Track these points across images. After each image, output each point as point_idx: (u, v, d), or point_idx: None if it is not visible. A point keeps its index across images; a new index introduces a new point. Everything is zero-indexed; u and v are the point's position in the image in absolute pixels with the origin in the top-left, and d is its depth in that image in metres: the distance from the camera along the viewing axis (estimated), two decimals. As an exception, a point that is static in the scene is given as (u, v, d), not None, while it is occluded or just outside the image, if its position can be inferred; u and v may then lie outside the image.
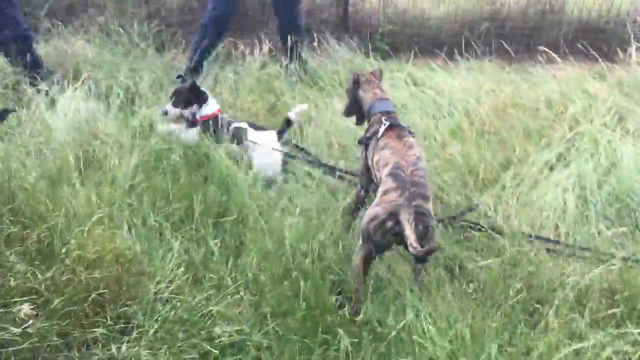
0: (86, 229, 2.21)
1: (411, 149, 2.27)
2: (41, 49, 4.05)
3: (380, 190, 2.16)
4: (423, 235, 1.95)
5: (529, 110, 3.32)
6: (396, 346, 1.81)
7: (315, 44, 4.20)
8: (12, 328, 1.89)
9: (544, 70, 3.96)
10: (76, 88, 3.45)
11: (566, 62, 3.96)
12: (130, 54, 4.12)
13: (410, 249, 1.84)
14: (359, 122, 2.71)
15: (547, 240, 2.44)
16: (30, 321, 1.91)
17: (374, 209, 2.08)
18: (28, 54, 3.53)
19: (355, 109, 2.68)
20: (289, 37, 3.86)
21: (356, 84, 2.62)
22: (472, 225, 2.54)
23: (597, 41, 4.37)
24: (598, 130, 3.12)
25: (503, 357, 1.80)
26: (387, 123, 2.40)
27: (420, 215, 1.97)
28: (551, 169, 2.90)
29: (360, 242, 2.11)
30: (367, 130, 2.54)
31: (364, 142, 2.49)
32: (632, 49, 4.02)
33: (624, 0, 4.58)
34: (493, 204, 2.70)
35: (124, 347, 1.91)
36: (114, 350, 1.90)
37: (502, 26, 4.56)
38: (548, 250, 2.36)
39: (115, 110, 3.38)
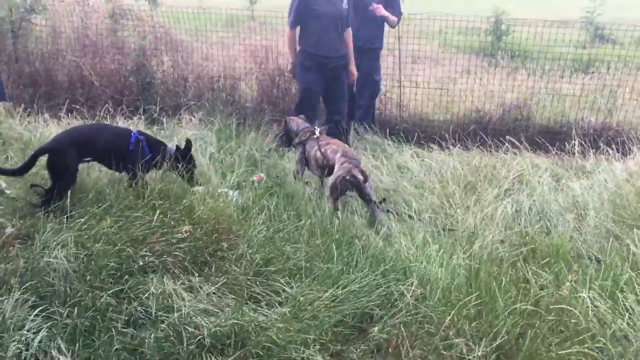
0: (211, 201, 3.85)
1: (344, 144, 4.54)
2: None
3: (338, 163, 4.21)
4: (364, 180, 4.00)
5: (491, 169, 4.92)
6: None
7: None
8: (175, 239, 3.45)
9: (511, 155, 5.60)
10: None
11: (529, 152, 5.61)
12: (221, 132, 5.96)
13: (360, 184, 4.01)
14: (289, 145, 5.08)
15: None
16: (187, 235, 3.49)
17: (338, 172, 4.15)
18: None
19: (287, 138, 4.99)
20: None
21: (285, 123, 5.00)
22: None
23: (554, 140, 6.02)
24: (537, 180, 4.70)
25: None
26: (319, 129, 4.67)
27: (361, 172, 4.03)
28: (501, 198, 4.43)
29: (329, 193, 4.16)
30: (299, 139, 4.75)
31: (303, 144, 4.70)
32: (575, 142, 5.64)
33: (571, 112, 6.37)
34: (462, 214, 4.22)
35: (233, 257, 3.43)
36: (229, 255, 3.42)
37: (485, 128, 6.30)
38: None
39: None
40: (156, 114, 6.33)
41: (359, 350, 2.72)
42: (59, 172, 3.89)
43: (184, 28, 7.40)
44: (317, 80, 5.49)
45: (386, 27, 6.16)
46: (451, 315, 2.74)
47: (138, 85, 6.82)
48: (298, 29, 5.54)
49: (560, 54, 7.29)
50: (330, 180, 4.24)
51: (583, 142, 5.67)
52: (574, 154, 5.60)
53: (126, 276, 3.17)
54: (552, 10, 17.16)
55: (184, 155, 4.26)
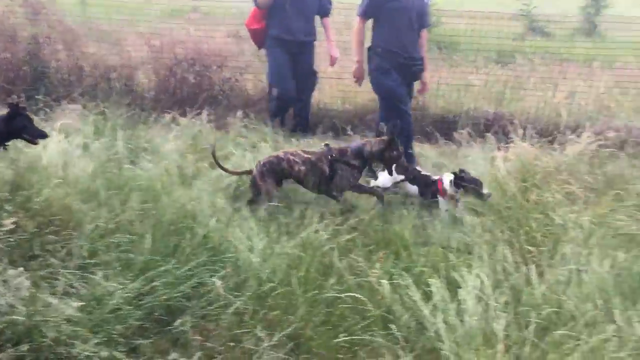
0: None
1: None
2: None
3: None
4: None
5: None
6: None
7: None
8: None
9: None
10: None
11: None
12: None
13: None
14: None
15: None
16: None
17: None
18: None
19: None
20: None
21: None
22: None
23: (450, 129, 6.00)
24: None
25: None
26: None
27: None
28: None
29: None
30: None
31: None
32: (464, 132, 5.63)
33: (466, 101, 6.45)
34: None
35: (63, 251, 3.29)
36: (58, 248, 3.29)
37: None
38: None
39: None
40: (42, 105, 6.10)
41: (156, 345, 2.63)
42: None
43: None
44: (400, 83, 4.82)
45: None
46: (252, 305, 2.68)
47: (31, 74, 6.58)
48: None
49: (489, 45, 7.23)
50: None
51: (471, 132, 5.67)
52: (460, 143, 5.61)
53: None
54: (489, 2, 17.34)
55: (11, 117, 3.82)
